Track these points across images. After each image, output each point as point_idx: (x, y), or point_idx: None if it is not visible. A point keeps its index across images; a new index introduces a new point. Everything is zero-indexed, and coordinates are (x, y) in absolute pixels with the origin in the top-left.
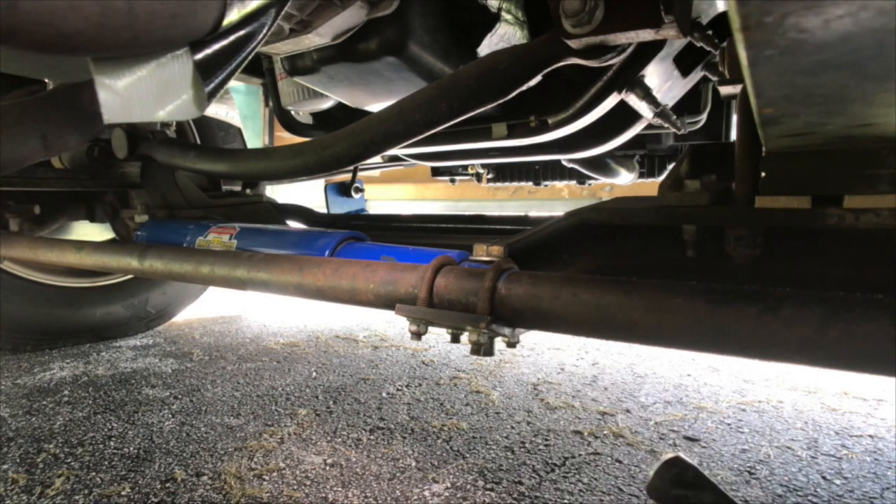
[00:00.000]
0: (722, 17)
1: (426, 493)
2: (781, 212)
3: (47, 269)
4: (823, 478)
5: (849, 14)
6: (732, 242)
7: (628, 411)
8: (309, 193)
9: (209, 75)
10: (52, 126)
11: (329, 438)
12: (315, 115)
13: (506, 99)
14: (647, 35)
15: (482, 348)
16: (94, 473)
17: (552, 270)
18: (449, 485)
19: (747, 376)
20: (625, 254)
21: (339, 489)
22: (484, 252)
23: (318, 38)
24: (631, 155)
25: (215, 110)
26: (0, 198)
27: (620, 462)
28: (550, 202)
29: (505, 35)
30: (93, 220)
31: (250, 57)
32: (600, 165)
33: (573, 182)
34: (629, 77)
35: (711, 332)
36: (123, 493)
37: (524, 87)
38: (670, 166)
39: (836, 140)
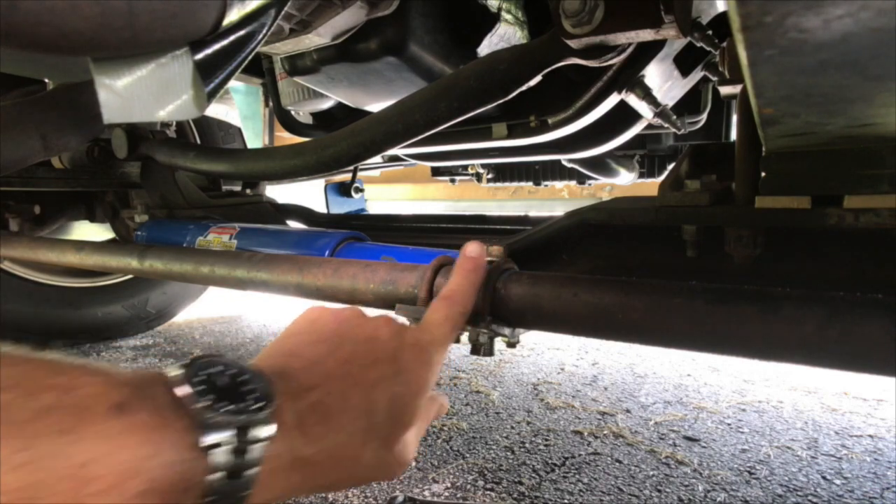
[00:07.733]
0: (722, 17)
1: (426, 493)
2: (781, 212)
3: (47, 269)
4: (823, 478)
5: (849, 14)
6: (732, 242)
7: (628, 411)
8: (309, 193)
9: (209, 75)
10: (52, 126)
11: None
12: (315, 115)
13: (506, 99)
14: (647, 35)
15: (482, 348)
16: None
17: (552, 270)
18: (449, 485)
19: (747, 376)
20: (625, 254)
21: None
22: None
23: (318, 38)
24: (631, 155)
25: (215, 110)
26: (0, 198)
27: (620, 462)
28: (550, 202)
29: (505, 35)
30: (93, 220)
31: (250, 57)
32: (600, 165)
33: (573, 182)
34: (629, 77)
35: (711, 332)
36: None
37: (524, 87)
38: (670, 166)
39: (837, 140)
